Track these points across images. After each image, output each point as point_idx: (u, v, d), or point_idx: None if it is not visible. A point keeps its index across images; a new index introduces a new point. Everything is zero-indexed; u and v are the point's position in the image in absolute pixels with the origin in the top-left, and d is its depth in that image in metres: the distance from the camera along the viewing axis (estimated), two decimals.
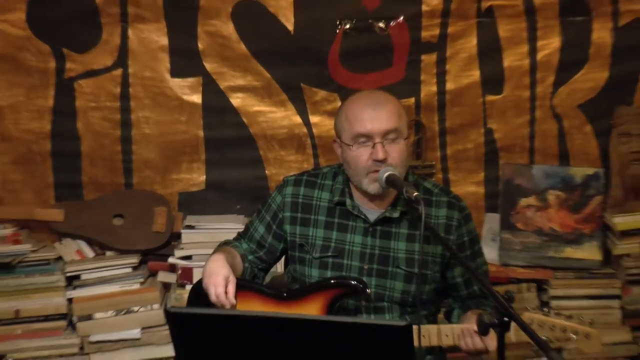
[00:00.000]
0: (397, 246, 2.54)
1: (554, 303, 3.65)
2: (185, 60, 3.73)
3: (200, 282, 2.49)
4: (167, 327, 2.99)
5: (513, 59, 3.80)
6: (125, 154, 3.79)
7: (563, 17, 3.76)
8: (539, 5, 3.74)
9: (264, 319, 1.93)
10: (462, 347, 2.37)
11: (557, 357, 1.78)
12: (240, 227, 3.38)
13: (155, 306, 3.61)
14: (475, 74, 3.81)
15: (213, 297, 2.38)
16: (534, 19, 3.77)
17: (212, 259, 2.48)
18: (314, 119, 3.82)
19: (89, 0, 3.64)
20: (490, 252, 3.68)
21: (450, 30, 3.76)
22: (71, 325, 3.63)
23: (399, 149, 2.45)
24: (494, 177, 3.89)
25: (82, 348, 3.60)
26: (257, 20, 3.71)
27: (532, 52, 3.80)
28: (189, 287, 3.35)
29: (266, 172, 3.86)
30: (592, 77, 3.82)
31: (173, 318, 1.95)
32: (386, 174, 2.41)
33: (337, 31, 3.72)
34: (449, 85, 3.81)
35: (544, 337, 2.25)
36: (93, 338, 3.58)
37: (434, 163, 3.83)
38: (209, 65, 3.74)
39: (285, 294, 2.54)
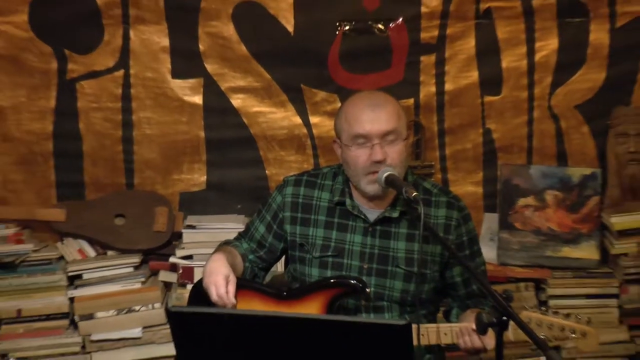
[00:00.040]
0: (396, 246, 2.55)
1: (552, 302, 3.65)
2: (186, 61, 3.74)
3: (200, 281, 2.49)
4: (168, 326, 2.99)
5: (511, 60, 3.81)
6: (127, 154, 3.80)
7: (561, 18, 3.77)
8: (537, 6, 3.75)
9: (264, 318, 1.94)
10: (460, 346, 2.37)
11: (555, 355, 1.79)
12: (241, 227, 3.39)
13: (157, 305, 3.61)
14: (474, 75, 3.81)
15: (214, 297, 2.38)
16: (532, 21, 3.77)
17: (212, 258, 2.48)
18: (313, 119, 3.82)
19: (91, 2, 3.65)
20: (488, 252, 3.67)
21: (449, 31, 3.77)
22: (73, 325, 3.63)
23: (397, 150, 2.46)
24: (492, 177, 3.89)
25: (83, 347, 3.60)
26: (257, 21, 3.72)
27: (530, 53, 3.80)
28: (189, 287, 3.34)
29: (266, 172, 3.87)
30: (589, 78, 3.82)
31: (174, 317, 1.96)
32: (385, 174, 2.42)
33: (337, 32, 3.73)
34: (448, 86, 3.82)
35: (542, 336, 2.26)
36: (94, 337, 3.58)
37: (433, 163, 3.84)
38: (209, 67, 3.75)
39: (285, 293, 2.54)
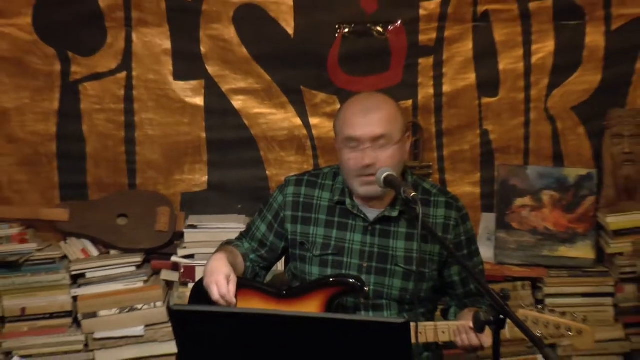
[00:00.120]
0: (395, 245, 2.56)
1: (548, 301, 3.66)
2: (187, 63, 3.76)
3: (202, 280, 2.48)
4: (170, 324, 3.03)
5: (508, 62, 3.83)
6: (129, 155, 3.82)
7: (557, 21, 3.79)
8: (533, 9, 3.77)
9: (264, 316, 1.93)
10: (458, 344, 2.38)
11: (551, 353, 1.79)
12: (242, 227, 3.40)
13: (159, 304, 3.62)
14: (471, 77, 3.83)
15: (215, 296, 2.37)
16: (529, 23, 3.80)
17: (213, 258, 2.48)
18: (313, 120, 3.84)
19: (94, 4, 3.68)
20: (486, 251, 3.64)
21: (447, 34, 3.79)
22: (76, 323, 3.64)
23: (388, 155, 2.46)
24: (489, 177, 3.90)
25: (86, 345, 3.61)
26: (258, 24, 3.74)
27: (527, 55, 3.82)
28: (191, 286, 3.37)
29: (267, 172, 3.88)
30: (585, 80, 3.84)
31: (176, 315, 1.96)
32: (384, 175, 2.42)
33: (336, 35, 3.75)
34: (446, 88, 3.84)
35: (538, 334, 2.28)
36: (97, 335, 3.59)
37: (431, 164, 3.85)
38: (211, 69, 3.77)
39: (285, 292, 2.54)
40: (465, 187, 3.92)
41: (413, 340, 2.27)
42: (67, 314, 3.62)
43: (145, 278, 3.66)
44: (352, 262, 2.56)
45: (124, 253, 3.74)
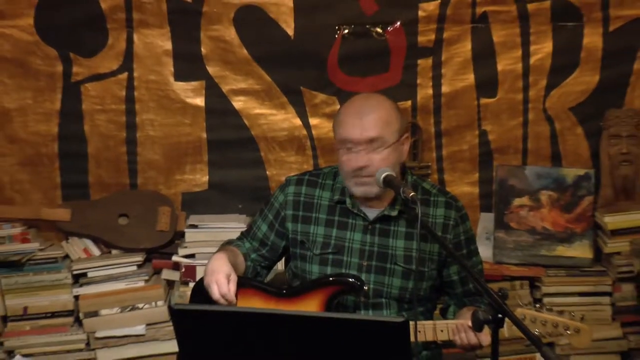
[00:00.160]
0: (395, 244, 2.57)
1: (546, 300, 3.66)
2: (188, 64, 3.78)
3: (202, 279, 2.49)
4: (171, 323, 3.05)
5: (506, 63, 3.84)
6: (130, 155, 3.83)
7: (555, 22, 3.80)
8: (531, 11, 3.78)
9: (264, 315, 1.95)
10: (456, 342, 2.40)
11: (549, 351, 1.80)
12: (242, 227, 3.44)
13: (160, 303, 3.63)
14: (470, 78, 3.84)
15: (215, 295, 2.38)
16: (527, 25, 3.80)
17: (214, 257, 2.48)
18: (313, 121, 3.86)
19: (95, 6, 3.69)
20: (484, 251, 3.60)
21: (445, 35, 3.80)
22: (78, 322, 3.65)
23: (382, 157, 2.47)
24: (488, 177, 3.91)
25: (88, 344, 3.63)
26: (258, 25, 3.75)
27: (525, 56, 3.83)
28: (192, 285, 3.36)
29: (267, 172, 3.90)
30: (583, 81, 3.85)
31: (176, 314, 1.97)
32: (383, 175, 2.44)
33: (336, 36, 3.76)
34: (445, 89, 3.85)
35: (536, 332, 2.30)
36: (99, 334, 3.60)
37: (430, 164, 3.86)
38: (211, 69, 3.79)
39: (284, 291, 2.55)
40: (464, 187, 3.93)
41: (412, 339, 2.28)
42: (68, 313, 3.63)
43: (146, 277, 3.67)
44: (352, 261, 2.58)
45: (125, 252, 3.74)
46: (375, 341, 1.86)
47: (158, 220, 3.76)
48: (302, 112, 3.86)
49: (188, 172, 3.89)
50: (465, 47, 3.83)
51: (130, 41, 3.75)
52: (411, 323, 1.88)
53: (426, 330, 2.41)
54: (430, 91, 3.85)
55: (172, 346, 3.56)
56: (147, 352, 3.64)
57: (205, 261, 2.55)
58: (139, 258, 3.70)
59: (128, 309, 3.62)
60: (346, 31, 3.78)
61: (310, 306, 2.49)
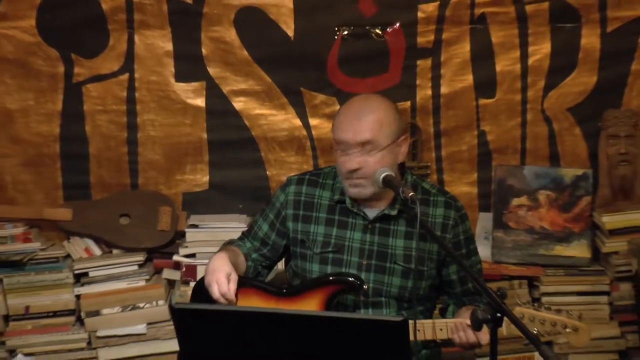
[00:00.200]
0: (395, 243, 2.58)
1: (544, 299, 3.66)
2: (189, 65, 3.79)
3: (203, 279, 2.49)
4: (171, 322, 3.07)
5: (505, 63, 3.85)
6: (131, 155, 3.84)
7: (553, 23, 3.82)
8: (530, 12, 3.79)
9: (265, 314, 1.96)
10: (455, 341, 2.41)
11: (547, 350, 1.81)
12: (243, 226, 3.46)
13: (161, 302, 3.63)
14: (469, 78, 3.86)
15: (215, 294, 2.38)
16: (526, 26, 3.82)
17: (214, 257, 2.49)
18: (313, 121, 3.87)
19: (97, 7, 3.70)
20: (483, 250, 3.55)
21: (444, 36, 3.81)
22: (79, 321, 3.64)
23: (376, 159, 2.48)
24: (486, 177, 3.93)
25: (89, 343, 3.62)
26: (258, 26, 3.76)
27: (524, 57, 3.85)
28: (192, 284, 3.38)
29: (267, 172, 3.91)
30: (581, 81, 3.87)
31: (177, 314, 1.98)
32: (383, 175, 2.45)
33: (336, 37, 3.78)
34: (444, 89, 3.86)
35: (534, 331, 2.31)
36: (100, 333, 3.60)
37: (429, 164, 3.87)
38: (212, 70, 3.80)
39: (285, 291, 2.55)
40: (463, 187, 3.94)
41: (412, 338, 2.29)
42: (70, 312, 3.63)
43: (147, 277, 3.67)
44: (352, 260, 2.59)
45: (127, 252, 3.74)
46: (374, 340, 1.87)
47: (159, 220, 3.77)
48: (302, 112, 3.87)
49: (189, 172, 3.90)
50: (464, 48, 3.84)
51: (131, 42, 3.76)
52: (410, 322, 1.89)
53: (425, 329, 2.42)
54: (430, 92, 3.87)
55: (173, 345, 3.55)
56: (148, 351, 3.64)
57: (206, 261, 2.56)
58: (140, 258, 3.71)
59: (129, 309, 3.63)
60: (346, 32, 3.79)
61: (310, 305, 2.49)
